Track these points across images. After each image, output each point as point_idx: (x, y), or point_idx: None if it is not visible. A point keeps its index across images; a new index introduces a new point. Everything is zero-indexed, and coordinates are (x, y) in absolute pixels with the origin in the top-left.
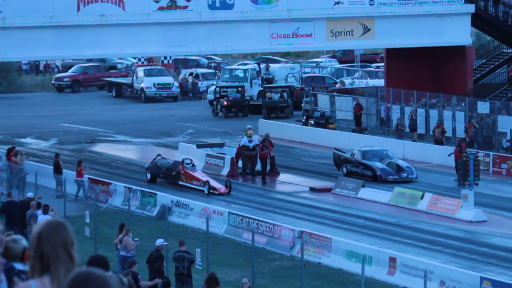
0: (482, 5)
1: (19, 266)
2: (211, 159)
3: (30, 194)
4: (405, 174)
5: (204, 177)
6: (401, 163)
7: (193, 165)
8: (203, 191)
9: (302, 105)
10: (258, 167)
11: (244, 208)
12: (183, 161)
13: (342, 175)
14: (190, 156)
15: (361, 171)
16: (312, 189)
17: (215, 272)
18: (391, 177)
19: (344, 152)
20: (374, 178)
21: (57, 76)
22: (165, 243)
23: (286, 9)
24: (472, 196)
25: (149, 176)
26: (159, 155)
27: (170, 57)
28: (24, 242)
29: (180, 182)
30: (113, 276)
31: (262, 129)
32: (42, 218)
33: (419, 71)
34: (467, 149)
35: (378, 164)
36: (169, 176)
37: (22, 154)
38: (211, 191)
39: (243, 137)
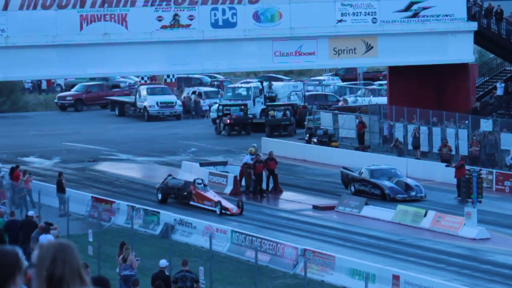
0: (485, 23)
1: None
2: (214, 177)
3: (31, 213)
4: (413, 193)
5: (216, 198)
6: (410, 181)
7: (205, 185)
8: (215, 211)
9: (305, 123)
10: (263, 185)
11: (247, 226)
12: (194, 181)
13: (348, 193)
14: (194, 175)
15: (369, 190)
16: (315, 207)
17: None
18: (399, 195)
19: (352, 171)
20: (383, 197)
21: (60, 95)
22: (167, 263)
23: (289, 27)
24: (475, 214)
25: (160, 196)
26: (170, 175)
27: (173, 76)
28: (25, 262)
29: (191, 203)
30: None
31: (265, 147)
32: (44, 238)
33: (422, 89)
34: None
35: (386, 183)
36: (180, 196)
37: (26, 173)
38: (223, 211)
39: (246, 154)
